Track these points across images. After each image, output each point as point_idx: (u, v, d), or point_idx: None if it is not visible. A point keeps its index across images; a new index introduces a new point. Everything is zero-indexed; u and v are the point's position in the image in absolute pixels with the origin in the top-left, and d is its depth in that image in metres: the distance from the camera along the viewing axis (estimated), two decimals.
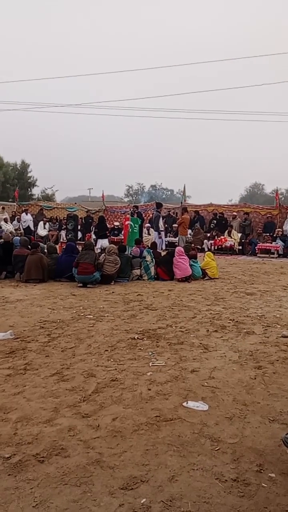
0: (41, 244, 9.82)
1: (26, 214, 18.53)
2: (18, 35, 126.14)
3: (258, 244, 15.89)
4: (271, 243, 15.77)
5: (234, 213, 17.82)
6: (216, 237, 16.62)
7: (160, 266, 9.27)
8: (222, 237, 16.39)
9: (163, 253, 10.49)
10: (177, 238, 14.37)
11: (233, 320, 5.47)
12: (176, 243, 13.96)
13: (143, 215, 18.48)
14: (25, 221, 18.10)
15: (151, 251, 9.44)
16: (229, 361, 3.87)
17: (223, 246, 16.12)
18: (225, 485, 2.06)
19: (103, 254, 8.61)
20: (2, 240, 9.43)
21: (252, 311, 6.01)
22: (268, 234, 16.31)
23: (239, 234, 16.67)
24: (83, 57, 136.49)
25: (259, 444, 2.45)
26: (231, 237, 16.34)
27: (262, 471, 2.20)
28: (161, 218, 15.04)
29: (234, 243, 16.19)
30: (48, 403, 2.94)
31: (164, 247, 15.19)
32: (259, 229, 17.09)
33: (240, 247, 16.52)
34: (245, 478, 2.12)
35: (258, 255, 15.55)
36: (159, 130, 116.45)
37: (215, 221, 17.64)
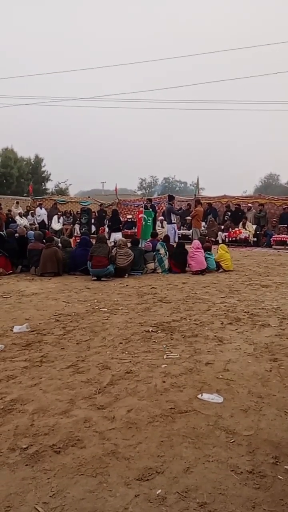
0: (55, 238, 9.91)
1: (40, 208, 18.70)
2: (23, 27, 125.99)
3: (273, 236, 15.69)
4: (287, 234, 15.55)
5: (249, 205, 17.61)
6: (230, 229, 16.47)
7: (171, 259, 9.25)
8: (237, 229, 16.23)
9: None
10: (191, 231, 14.28)
11: (248, 312, 5.42)
12: (190, 236, 13.89)
13: (157, 207, 18.43)
14: (39, 215, 18.28)
15: (164, 244, 9.42)
16: (244, 354, 3.85)
17: (238, 238, 15.97)
18: (240, 477, 2.06)
19: (115, 248, 8.64)
20: (17, 234, 9.55)
21: (267, 303, 5.95)
22: (283, 225, 16.07)
23: (254, 226, 16.48)
24: (93, 50, 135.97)
25: (275, 437, 2.44)
26: (246, 229, 16.16)
27: (278, 463, 2.18)
28: (173, 211, 14.96)
29: (248, 235, 16.01)
30: (64, 394, 2.98)
31: (177, 240, 15.13)
32: (274, 220, 16.85)
33: (255, 239, 16.34)
34: (261, 470, 2.11)
35: (273, 246, 15.36)
36: (172, 121, 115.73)
37: (229, 213, 17.46)
